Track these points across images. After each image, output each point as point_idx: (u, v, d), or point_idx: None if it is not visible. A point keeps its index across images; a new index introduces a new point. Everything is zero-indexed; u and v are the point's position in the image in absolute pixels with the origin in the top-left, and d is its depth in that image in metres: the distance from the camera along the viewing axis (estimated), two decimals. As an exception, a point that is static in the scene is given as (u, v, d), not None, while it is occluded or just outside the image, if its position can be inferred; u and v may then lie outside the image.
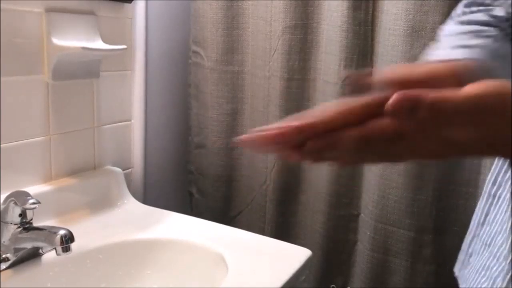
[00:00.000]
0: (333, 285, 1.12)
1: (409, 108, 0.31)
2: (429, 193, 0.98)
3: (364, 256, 1.06)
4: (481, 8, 0.54)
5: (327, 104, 0.36)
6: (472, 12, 0.55)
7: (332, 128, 0.34)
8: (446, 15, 0.90)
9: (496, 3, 0.53)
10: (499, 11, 0.52)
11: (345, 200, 1.08)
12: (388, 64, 0.97)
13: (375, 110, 0.33)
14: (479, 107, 0.32)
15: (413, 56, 0.94)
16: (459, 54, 0.47)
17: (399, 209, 1.00)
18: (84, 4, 0.91)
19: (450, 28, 0.55)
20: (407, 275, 1.01)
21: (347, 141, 0.33)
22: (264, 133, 0.34)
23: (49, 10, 0.84)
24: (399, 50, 0.95)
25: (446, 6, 0.90)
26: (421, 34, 0.93)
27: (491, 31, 0.51)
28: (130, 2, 1.01)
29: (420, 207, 0.98)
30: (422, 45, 0.93)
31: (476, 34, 0.51)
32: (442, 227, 0.99)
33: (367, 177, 1.05)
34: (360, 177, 1.07)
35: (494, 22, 0.52)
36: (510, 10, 0.52)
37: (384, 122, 0.33)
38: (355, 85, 0.36)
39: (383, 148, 0.34)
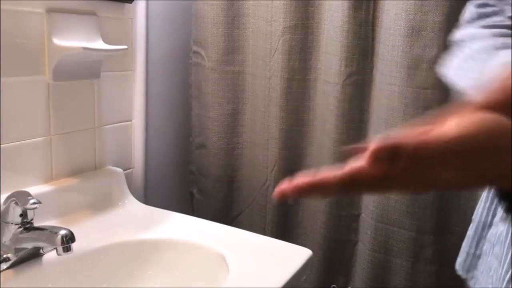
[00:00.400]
0: (334, 285, 1.11)
1: (388, 157, 0.31)
2: (430, 193, 0.98)
3: (365, 256, 1.05)
4: (490, 10, 0.54)
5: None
6: (487, 16, 0.55)
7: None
8: (446, 15, 0.90)
9: (500, 3, 0.53)
10: (509, 11, 0.52)
11: (345, 200, 1.08)
12: (389, 65, 0.97)
13: None
14: (459, 150, 0.32)
15: (413, 56, 0.94)
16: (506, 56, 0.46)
17: (400, 209, 1.00)
18: (85, 4, 0.91)
19: (472, 32, 0.54)
20: (408, 275, 1.01)
21: (333, 187, 0.34)
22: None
23: (50, 10, 0.84)
24: (399, 50, 0.95)
25: (446, 6, 0.90)
26: (422, 34, 0.93)
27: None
28: (131, 3, 1.01)
29: (421, 207, 0.98)
30: (423, 45, 0.93)
31: (506, 35, 0.51)
32: (443, 228, 0.99)
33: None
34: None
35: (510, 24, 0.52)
36: None
37: (367, 168, 0.33)
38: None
39: (370, 188, 0.35)
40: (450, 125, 0.32)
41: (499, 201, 0.43)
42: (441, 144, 0.32)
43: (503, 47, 0.48)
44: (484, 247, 0.61)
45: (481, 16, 0.56)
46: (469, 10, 0.59)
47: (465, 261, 0.65)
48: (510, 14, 0.52)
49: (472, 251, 0.64)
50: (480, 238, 0.62)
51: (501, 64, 0.44)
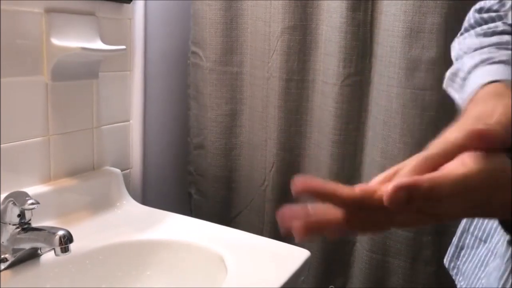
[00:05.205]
0: (331, 286, 1.12)
1: (405, 198, 0.33)
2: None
3: (363, 257, 1.06)
4: (492, 15, 0.55)
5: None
6: (486, 22, 0.56)
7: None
8: (444, 16, 0.91)
9: (503, 9, 0.54)
10: (510, 19, 0.54)
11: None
12: (387, 66, 0.97)
13: None
14: (467, 188, 0.35)
15: (411, 57, 0.94)
16: (488, 72, 0.48)
17: (398, 210, 1.00)
18: (83, 4, 0.91)
19: (471, 42, 0.56)
20: (406, 276, 1.01)
21: (337, 224, 0.37)
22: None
23: (49, 10, 0.84)
24: (397, 51, 0.95)
25: (444, 7, 0.90)
26: (420, 35, 0.93)
27: (510, 41, 0.52)
28: (130, 3, 1.01)
29: (419, 207, 0.98)
30: (421, 46, 0.93)
31: (498, 46, 0.52)
32: (441, 228, 0.99)
33: (366, 178, 1.05)
34: (359, 177, 1.07)
35: (510, 30, 0.53)
36: None
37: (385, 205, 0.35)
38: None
39: (381, 226, 0.39)
40: (457, 164, 0.36)
41: (502, 229, 0.47)
42: (450, 183, 0.35)
43: (484, 63, 0.50)
44: (467, 240, 0.62)
45: (478, 23, 0.57)
46: (469, 16, 0.59)
47: (449, 251, 0.68)
48: (509, 21, 0.54)
49: (455, 242, 0.66)
50: (463, 231, 0.63)
51: (471, 89, 0.47)
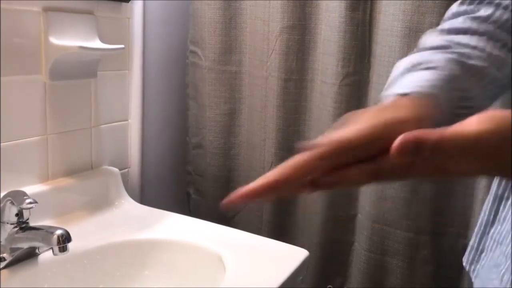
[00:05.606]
0: (329, 286, 1.12)
1: (413, 149, 0.33)
2: (426, 194, 0.98)
3: (361, 257, 1.06)
4: (470, 7, 0.55)
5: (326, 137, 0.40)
6: (458, 15, 0.55)
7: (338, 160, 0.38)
8: (443, 16, 0.90)
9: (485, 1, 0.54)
10: (485, 11, 0.53)
11: (342, 200, 1.08)
12: (385, 66, 0.97)
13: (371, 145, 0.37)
14: (479, 146, 0.34)
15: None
16: (407, 82, 0.48)
17: (396, 209, 1.00)
18: (82, 3, 0.91)
19: (425, 40, 0.56)
20: (404, 275, 1.01)
21: (359, 176, 0.38)
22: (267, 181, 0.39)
23: (47, 9, 0.84)
24: (396, 50, 0.95)
25: (443, 7, 0.90)
26: (419, 35, 0.92)
27: (463, 44, 0.51)
28: (128, 2, 1.01)
29: (417, 207, 0.99)
30: (420, 46, 0.93)
31: (443, 50, 0.52)
32: (439, 228, 0.99)
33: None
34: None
35: (474, 26, 0.52)
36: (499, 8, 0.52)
37: (391, 159, 0.35)
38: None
39: (390, 178, 0.39)
40: (470, 121, 0.35)
41: None
42: (461, 139, 0.34)
43: (419, 68, 0.50)
44: (487, 244, 0.62)
45: (454, 15, 0.57)
46: (454, 5, 0.59)
47: (469, 254, 0.68)
48: (479, 14, 0.53)
49: (475, 245, 0.66)
50: (483, 234, 0.64)
51: (392, 94, 0.47)
